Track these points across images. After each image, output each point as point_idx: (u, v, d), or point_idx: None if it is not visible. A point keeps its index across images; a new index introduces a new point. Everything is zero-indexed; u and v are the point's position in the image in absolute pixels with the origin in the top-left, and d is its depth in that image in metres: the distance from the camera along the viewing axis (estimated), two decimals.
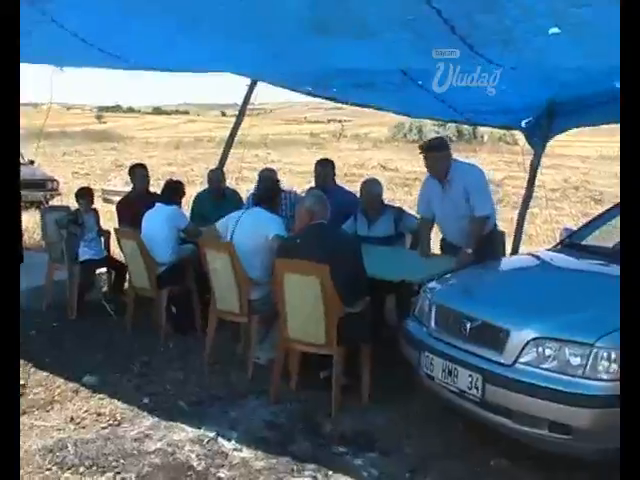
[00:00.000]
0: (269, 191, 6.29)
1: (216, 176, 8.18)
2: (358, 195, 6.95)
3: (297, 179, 20.75)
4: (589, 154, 32.53)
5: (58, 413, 5.12)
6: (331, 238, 5.32)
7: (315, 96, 8.50)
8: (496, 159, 30.12)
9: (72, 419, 5.06)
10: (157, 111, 50.26)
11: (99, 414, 5.13)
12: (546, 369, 4.06)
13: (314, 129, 48.59)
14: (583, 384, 3.93)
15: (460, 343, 4.51)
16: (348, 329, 5.13)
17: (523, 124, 7.76)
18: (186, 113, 51.92)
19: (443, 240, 6.81)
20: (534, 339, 4.13)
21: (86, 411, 5.19)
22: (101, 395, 5.45)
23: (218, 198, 8.07)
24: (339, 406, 5.18)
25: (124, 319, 7.11)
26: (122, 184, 17.13)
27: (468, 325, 4.47)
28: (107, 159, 26.45)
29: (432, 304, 4.85)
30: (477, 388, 4.29)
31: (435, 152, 6.24)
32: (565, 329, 4.09)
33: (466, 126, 38.76)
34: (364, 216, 6.83)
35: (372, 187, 6.86)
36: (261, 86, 9.15)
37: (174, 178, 7.46)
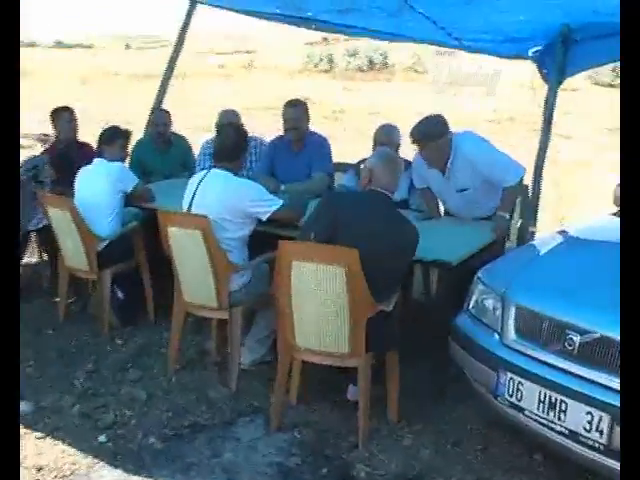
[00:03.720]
0: (235, 146, 4.48)
1: (161, 118, 6.44)
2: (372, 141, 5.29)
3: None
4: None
5: None
6: (387, 216, 3.81)
7: (281, 20, 6.76)
8: (411, 87, 28.33)
9: None
10: (60, 45, 46.41)
11: (39, 468, 3.57)
12: None
13: (221, 61, 45.84)
14: None
15: (564, 363, 3.12)
16: (377, 332, 3.71)
17: (530, 53, 6.29)
18: (90, 47, 48.32)
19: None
20: None
21: (21, 463, 3.61)
22: (38, 433, 3.87)
23: (163, 146, 6.42)
24: (367, 435, 3.79)
25: (54, 308, 5.46)
26: (34, 125, 14.89)
27: (576, 339, 3.09)
28: None
29: (507, 304, 3.43)
30: (601, 431, 2.93)
31: (436, 140, 4.63)
32: None
33: (378, 54, 36.86)
34: None
35: (391, 135, 5.20)
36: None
37: (113, 124, 5.67)
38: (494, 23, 5.59)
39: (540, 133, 5.93)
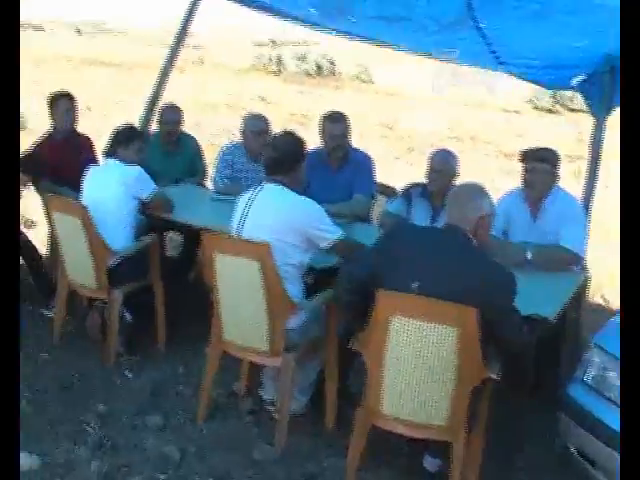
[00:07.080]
0: (290, 157, 3.66)
1: (172, 115, 5.52)
2: (427, 169, 4.52)
3: None
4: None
5: None
6: (463, 255, 3.06)
7: (316, 26, 5.89)
8: (360, 97, 26.98)
9: None
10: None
11: None
12: None
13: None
14: None
15: None
16: (478, 404, 3.00)
17: (574, 82, 5.60)
18: (40, 29, 46.21)
19: None
20: None
21: None
22: None
23: (171, 147, 5.56)
24: None
25: (43, 326, 4.60)
26: None
27: None
28: None
29: None
30: None
31: (551, 164, 4.23)
32: None
33: (325, 60, 35.63)
34: (427, 201, 4.50)
35: (448, 162, 4.43)
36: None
37: (128, 123, 4.77)
38: (546, 46, 4.93)
39: (586, 175, 5.23)
